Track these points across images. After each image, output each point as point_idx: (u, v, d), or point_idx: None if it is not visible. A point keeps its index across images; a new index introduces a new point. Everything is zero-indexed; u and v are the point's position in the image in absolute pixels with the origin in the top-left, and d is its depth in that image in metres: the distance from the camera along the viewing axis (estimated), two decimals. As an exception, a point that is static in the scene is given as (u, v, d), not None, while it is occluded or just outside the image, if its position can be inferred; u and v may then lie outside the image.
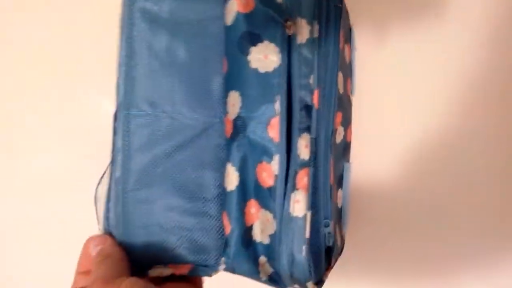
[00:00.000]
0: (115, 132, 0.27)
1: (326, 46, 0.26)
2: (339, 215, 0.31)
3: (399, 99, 0.41)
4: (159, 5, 0.27)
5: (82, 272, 0.27)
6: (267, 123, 0.25)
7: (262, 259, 0.27)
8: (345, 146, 0.32)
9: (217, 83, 0.27)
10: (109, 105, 0.29)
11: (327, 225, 0.27)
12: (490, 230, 0.41)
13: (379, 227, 0.41)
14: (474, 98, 0.40)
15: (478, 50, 0.40)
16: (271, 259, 0.27)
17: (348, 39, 0.33)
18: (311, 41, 0.25)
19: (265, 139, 0.25)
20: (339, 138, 0.30)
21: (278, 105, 0.25)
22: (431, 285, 0.42)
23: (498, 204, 0.41)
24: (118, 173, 0.27)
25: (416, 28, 0.40)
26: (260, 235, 0.27)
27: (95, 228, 0.29)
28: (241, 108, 0.26)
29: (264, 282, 0.27)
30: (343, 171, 0.31)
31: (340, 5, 0.28)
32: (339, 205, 0.31)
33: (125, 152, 0.27)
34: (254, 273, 0.27)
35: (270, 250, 0.27)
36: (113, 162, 0.27)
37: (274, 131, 0.25)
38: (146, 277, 0.27)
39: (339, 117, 0.29)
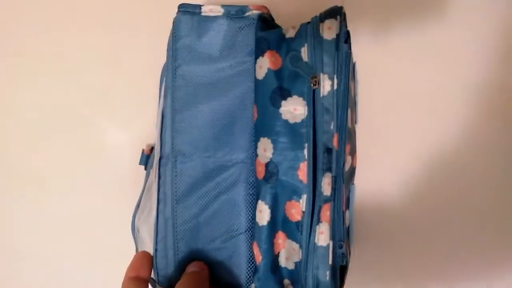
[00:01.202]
0: (159, 177, 0.32)
1: (341, 93, 0.30)
2: (348, 234, 0.35)
3: (400, 106, 0.42)
4: (198, 67, 0.32)
5: (134, 278, 0.30)
6: (297, 168, 0.29)
7: (286, 281, 0.31)
8: (352, 172, 0.37)
9: (248, 129, 0.31)
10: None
11: (340, 247, 0.31)
12: (498, 241, 0.41)
13: (382, 240, 0.44)
14: (480, 105, 0.41)
15: (484, 54, 0.40)
16: (295, 282, 0.31)
17: (352, 74, 0.37)
18: (331, 93, 0.29)
19: (295, 181, 0.29)
20: (347, 166, 0.34)
21: (306, 152, 0.29)
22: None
23: (508, 211, 0.41)
24: (168, 213, 0.32)
25: (417, 30, 0.41)
26: (285, 262, 0.31)
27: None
28: (273, 154, 0.30)
29: None
30: (349, 193, 0.36)
31: (350, 51, 0.32)
32: (347, 224, 0.35)
33: (173, 194, 0.31)
34: None
35: (294, 274, 0.31)
36: (159, 203, 0.32)
37: (303, 174, 0.29)
38: None
39: (347, 148, 0.34)
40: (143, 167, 0.41)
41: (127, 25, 0.44)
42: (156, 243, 0.31)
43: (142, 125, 0.44)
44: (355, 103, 0.38)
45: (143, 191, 0.38)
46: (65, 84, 0.45)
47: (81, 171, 0.45)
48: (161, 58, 0.34)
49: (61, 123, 0.45)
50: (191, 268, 0.31)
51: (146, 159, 0.40)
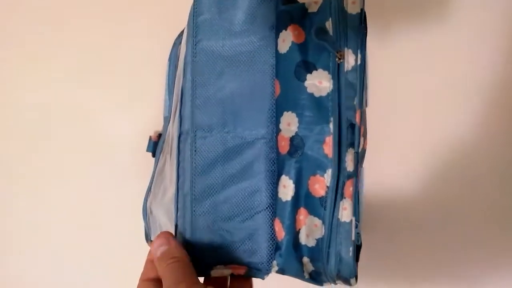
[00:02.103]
0: (179, 152, 0.31)
1: (363, 70, 0.30)
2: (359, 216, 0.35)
3: (408, 101, 0.42)
4: (219, 42, 0.31)
5: (146, 280, 0.29)
6: (323, 141, 0.29)
7: (305, 259, 0.31)
8: (363, 154, 0.37)
9: (269, 104, 0.30)
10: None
11: (356, 226, 0.31)
12: (505, 236, 0.41)
13: (386, 233, 0.43)
14: (488, 102, 0.41)
15: (492, 52, 0.40)
16: (315, 259, 0.31)
17: None
18: (355, 68, 0.29)
19: (321, 155, 0.29)
20: (360, 147, 0.35)
21: (332, 125, 0.29)
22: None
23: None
24: (186, 188, 0.31)
25: (421, 30, 0.41)
26: (305, 239, 0.31)
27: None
28: (298, 127, 0.29)
29: (306, 280, 0.31)
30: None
31: (366, 30, 0.32)
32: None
33: (193, 169, 0.31)
34: (300, 273, 0.31)
35: (315, 252, 0.30)
36: (179, 178, 0.31)
37: (328, 148, 0.29)
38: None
39: (362, 130, 0.34)
40: (145, 161, 0.40)
41: (127, 16, 0.44)
42: (176, 218, 0.31)
43: (143, 117, 0.43)
44: (366, 85, 0.38)
45: (153, 176, 0.37)
46: (66, 75, 0.44)
47: (81, 167, 0.44)
48: (161, 48, 0.35)
49: (62, 117, 0.44)
50: (159, 249, 0.29)
51: (153, 146, 0.39)
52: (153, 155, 0.39)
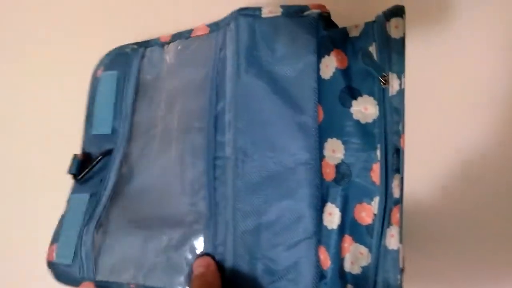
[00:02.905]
0: (214, 178, 0.32)
1: (404, 93, 0.30)
2: None
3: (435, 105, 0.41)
4: (261, 67, 0.31)
5: None
6: (370, 169, 0.28)
7: (349, 286, 0.30)
8: None
9: (312, 130, 0.30)
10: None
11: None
12: None
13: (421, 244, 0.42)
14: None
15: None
16: (359, 286, 0.30)
17: None
18: (400, 92, 0.29)
19: (368, 183, 0.28)
20: None
21: (379, 152, 0.28)
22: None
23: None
24: (229, 216, 0.31)
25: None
26: (350, 266, 0.30)
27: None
28: (344, 155, 0.29)
29: None
30: None
31: None
32: None
33: (235, 195, 0.30)
34: None
35: (359, 279, 0.30)
36: (219, 205, 0.32)
37: (376, 176, 0.28)
38: None
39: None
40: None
41: (127, 24, 0.45)
42: (214, 246, 0.31)
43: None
44: None
45: (95, 206, 0.36)
46: (65, 82, 0.45)
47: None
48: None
49: (62, 122, 0.45)
50: (198, 269, 0.30)
51: (78, 166, 0.38)
52: (76, 177, 0.38)
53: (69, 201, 0.38)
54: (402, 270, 0.30)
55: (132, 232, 0.34)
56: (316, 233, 0.30)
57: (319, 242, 0.30)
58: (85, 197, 0.37)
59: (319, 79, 0.30)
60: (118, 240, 0.33)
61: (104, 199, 0.35)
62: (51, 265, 0.36)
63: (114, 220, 0.35)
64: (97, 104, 0.40)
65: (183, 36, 0.38)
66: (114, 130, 0.38)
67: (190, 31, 0.38)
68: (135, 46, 0.40)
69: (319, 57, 0.30)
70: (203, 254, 0.31)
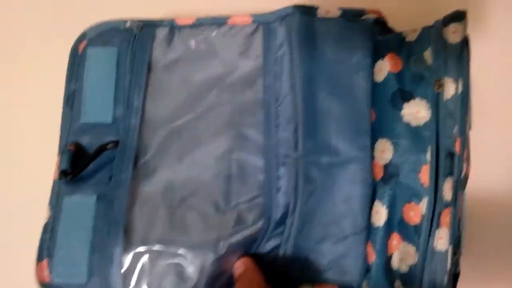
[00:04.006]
0: (298, 174, 0.31)
1: (464, 97, 0.29)
2: (459, 243, 0.34)
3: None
4: (316, 68, 0.32)
5: None
6: (419, 171, 0.29)
7: (398, 283, 0.31)
8: (465, 180, 0.36)
9: (365, 130, 0.31)
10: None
11: (455, 254, 0.31)
12: None
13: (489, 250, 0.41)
14: None
15: None
16: (407, 284, 0.31)
17: None
18: (455, 96, 0.29)
19: (417, 184, 0.29)
20: (462, 173, 0.34)
21: (429, 155, 0.29)
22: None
23: None
24: (300, 208, 0.31)
25: None
26: (398, 264, 0.31)
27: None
28: (393, 155, 0.30)
29: None
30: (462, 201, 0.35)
31: (469, 56, 0.31)
32: (460, 233, 0.34)
33: (303, 191, 0.31)
34: None
35: (407, 277, 0.31)
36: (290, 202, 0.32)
37: (425, 177, 0.29)
38: None
39: (465, 155, 0.33)
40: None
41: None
42: (268, 240, 0.32)
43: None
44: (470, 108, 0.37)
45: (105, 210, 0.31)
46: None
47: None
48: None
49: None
50: (238, 270, 0.31)
51: (70, 160, 0.32)
52: (67, 175, 0.32)
53: (60, 205, 0.31)
54: (456, 274, 0.30)
55: (172, 240, 0.30)
56: (365, 229, 0.31)
57: (367, 237, 0.32)
58: (90, 199, 0.31)
59: (373, 82, 0.31)
60: (163, 264, 0.30)
61: (121, 202, 0.31)
62: (47, 286, 0.30)
63: (141, 226, 0.30)
64: (88, 86, 0.34)
65: (215, 22, 0.35)
66: (115, 119, 0.33)
67: (225, 18, 0.35)
68: (139, 23, 0.35)
69: (373, 60, 0.31)
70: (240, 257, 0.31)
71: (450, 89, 0.29)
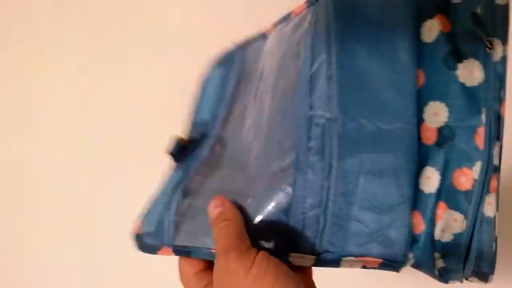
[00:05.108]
0: (324, 135, 0.30)
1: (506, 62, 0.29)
2: None
3: None
4: (356, 29, 0.30)
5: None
6: (475, 132, 0.28)
7: (436, 255, 0.30)
8: None
9: (410, 93, 0.30)
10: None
11: None
12: None
13: None
14: None
15: None
16: (448, 254, 0.30)
17: None
18: (503, 58, 0.29)
19: (472, 147, 0.28)
20: None
21: (484, 116, 0.28)
22: None
23: None
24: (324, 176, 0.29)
25: None
26: (440, 234, 0.30)
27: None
28: (448, 117, 0.28)
29: (434, 276, 0.30)
30: None
31: None
32: None
33: (334, 156, 0.29)
34: (431, 268, 0.30)
35: (449, 247, 0.30)
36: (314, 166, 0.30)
37: (480, 140, 0.28)
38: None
39: None
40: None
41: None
42: (305, 209, 0.29)
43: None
44: None
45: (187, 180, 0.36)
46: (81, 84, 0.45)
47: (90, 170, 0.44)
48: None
49: (76, 123, 0.45)
50: (214, 210, 0.30)
51: (178, 147, 0.39)
52: (176, 159, 0.38)
53: (163, 180, 0.38)
54: (496, 239, 0.30)
55: None
56: (411, 198, 0.30)
57: (413, 207, 0.30)
58: (179, 173, 0.38)
59: (421, 43, 0.30)
60: (202, 207, 0.33)
61: (192, 170, 0.36)
62: (136, 237, 0.35)
63: (201, 189, 0.35)
64: (203, 97, 0.42)
65: (283, 20, 0.38)
66: (214, 117, 0.40)
67: (289, 14, 0.37)
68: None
69: (420, 20, 0.30)
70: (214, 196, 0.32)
71: (498, 50, 0.28)
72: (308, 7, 0.35)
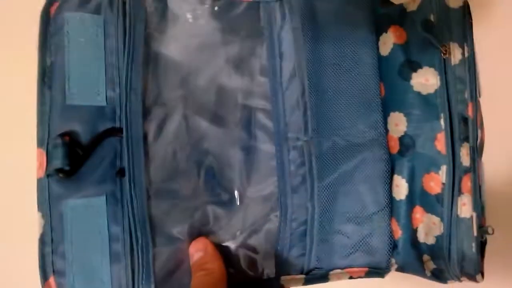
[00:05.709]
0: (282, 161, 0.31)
1: (472, 62, 0.29)
2: (483, 212, 0.34)
3: None
4: (323, 51, 0.31)
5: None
6: (435, 138, 0.29)
7: (426, 257, 0.31)
8: (481, 147, 0.35)
9: (376, 106, 0.31)
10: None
11: (480, 221, 0.30)
12: None
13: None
14: None
15: None
16: (435, 257, 0.30)
17: None
18: (463, 61, 0.29)
19: (434, 152, 0.29)
20: (478, 140, 0.33)
21: (442, 122, 0.29)
22: None
23: None
24: (308, 196, 0.31)
25: None
26: (424, 237, 0.31)
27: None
28: (407, 127, 0.30)
29: (428, 277, 0.31)
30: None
31: (471, 21, 0.30)
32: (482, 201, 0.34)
33: (314, 177, 0.31)
34: (420, 270, 0.31)
35: (435, 249, 0.30)
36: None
37: (441, 145, 0.29)
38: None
39: (478, 121, 0.32)
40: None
41: None
42: (290, 223, 0.31)
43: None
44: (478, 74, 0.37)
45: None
46: None
47: None
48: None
49: None
50: (196, 254, 0.28)
51: (66, 154, 0.26)
52: (65, 172, 0.26)
53: (58, 211, 0.26)
54: (481, 240, 0.30)
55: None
56: (388, 205, 0.31)
57: (391, 214, 0.31)
58: (100, 201, 0.27)
59: (380, 56, 0.31)
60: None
61: (139, 201, 0.28)
62: None
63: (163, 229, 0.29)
64: (71, 61, 0.27)
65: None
66: (109, 101, 0.28)
67: None
68: None
69: (377, 35, 0.31)
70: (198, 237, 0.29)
71: (456, 54, 0.29)
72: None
